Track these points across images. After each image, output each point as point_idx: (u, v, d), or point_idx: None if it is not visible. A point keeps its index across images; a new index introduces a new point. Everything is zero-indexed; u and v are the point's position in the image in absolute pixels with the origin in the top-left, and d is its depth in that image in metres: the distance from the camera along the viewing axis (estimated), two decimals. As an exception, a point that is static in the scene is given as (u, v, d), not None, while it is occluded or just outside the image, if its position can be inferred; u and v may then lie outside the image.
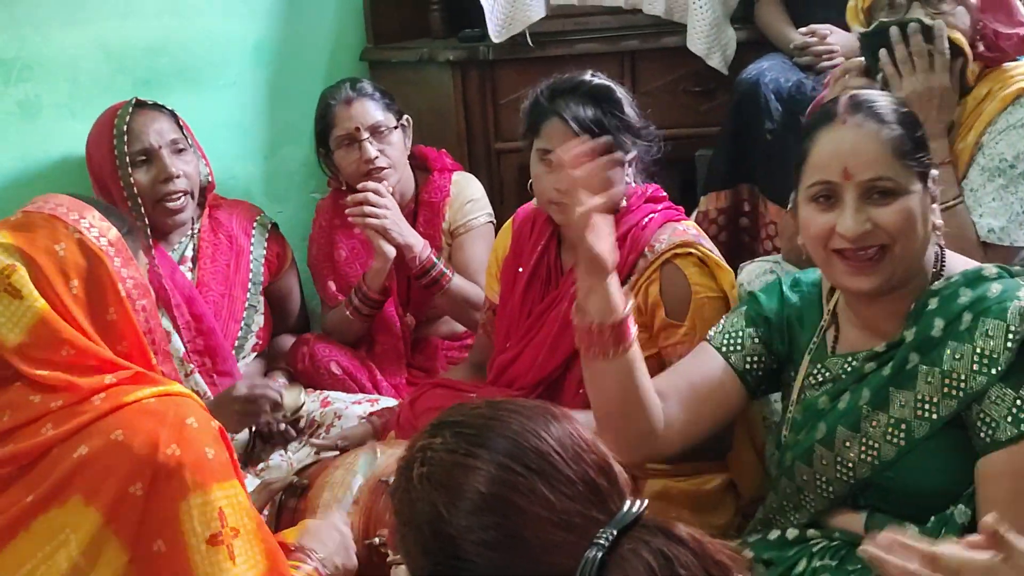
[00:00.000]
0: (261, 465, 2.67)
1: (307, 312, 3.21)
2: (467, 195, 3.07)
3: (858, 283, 1.78)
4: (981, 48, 2.33)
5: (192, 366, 2.74)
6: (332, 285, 3.07)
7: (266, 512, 2.22)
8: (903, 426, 1.77)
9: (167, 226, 2.82)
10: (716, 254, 2.34)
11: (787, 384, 1.97)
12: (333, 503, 2.16)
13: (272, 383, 2.68)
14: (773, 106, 2.97)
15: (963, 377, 1.71)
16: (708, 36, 3.28)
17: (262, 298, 2.97)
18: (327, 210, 3.12)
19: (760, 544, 1.94)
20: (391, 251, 2.84)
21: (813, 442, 1.87)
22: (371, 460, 2.27)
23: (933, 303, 1.78)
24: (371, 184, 2.85)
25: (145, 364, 1.76)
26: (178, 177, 2.75)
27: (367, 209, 2.81)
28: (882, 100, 1.82)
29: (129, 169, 2.72)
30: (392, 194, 2.88)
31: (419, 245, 2.86)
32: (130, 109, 2.75)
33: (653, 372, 2.29)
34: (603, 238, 1.77)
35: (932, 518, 1.74)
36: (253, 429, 2.73)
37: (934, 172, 1.81)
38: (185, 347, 2.75)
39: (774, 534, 1.94)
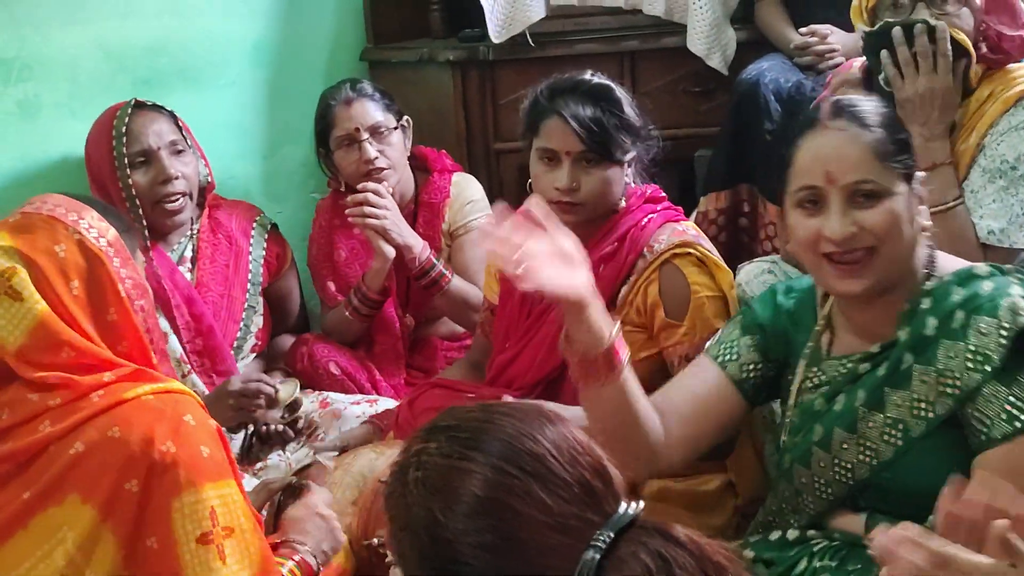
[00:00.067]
0: (259, 465, 2.67)
1: (306, 312, 3.21)
2: (467, 196, 3.07)
3: (848, 286, 1.79)
4: (984, 50, 2.32)
5: (189, 366, 2.74)
6: (331, 285, 3.07)
7: (265, 512, 2.22)
8: (900, 426, 1.77)
9: (166, 227, 2.82)
10: (715, 254, 2.34)
11: (785, 389, 1.97)
12: (333, 504, 2.17)
13: (266, 377, 2.67)
14: (773, 107, 2.97)
15: (958, 375, 1.71)
16: (708, 36, 3.28)
17: (261, 298, 2.96)
18: (327, 210, 3.12)
19: (761, 544, 1.94)
20: (390, 252, 2.84)
21: (810, 444, 1.87)
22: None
23: (926, 303, 1.78)
24: (371, 184, 2.85)
25: (146, 364, 1.76)
26: (176, 178, 2.75)
27: (367, 209, 2.81)
28: (864, 104, 1.83)
29: (128, 170, 2.72)
30: (392, 195, 2.88)
31: (418, 246, 2.86)
32: (129, 110, 2.75)
33: (653, 371, 2.31)
34: (567, 276, 1.73)
35: (930, 517, 1.74)
36: (251, 430, 2.73)
37: (919, 174, 1.82)
38: (184, 347, 2.75)
39: (775, 535, 1.94)
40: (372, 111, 2.93)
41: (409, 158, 3.05)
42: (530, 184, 2.39)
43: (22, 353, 1.67)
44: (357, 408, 2.76)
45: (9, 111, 2.83)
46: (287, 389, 2.70)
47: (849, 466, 1.83)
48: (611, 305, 2.32)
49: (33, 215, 1.74)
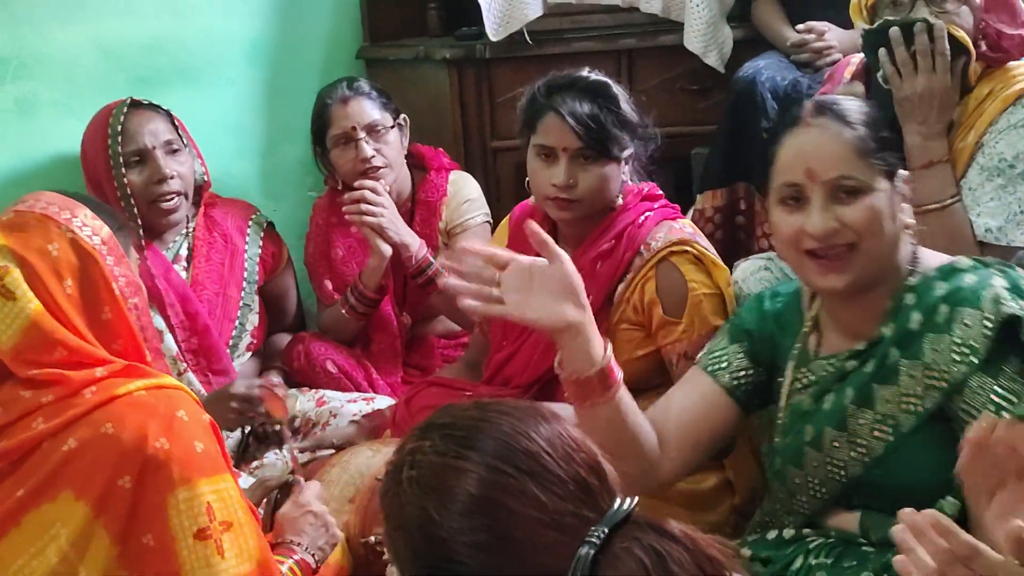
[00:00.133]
0: (255, 464, 2.67)
1: (303, 311, 3.21)
2: (464, 195, 3.07)
3: (829, 282, 1.80)
4: (984, 48, 2.32)
5: (185, 365, 2.74)
6: (328, 284, 3.07)
7: (261, 510, 2.23)
8: (890, 421, 1.78)
9: (161, 226, 2.82)
10: (712, 252, 2.35)
11: (776, 391, 1.98)
12: (330, 501, 2.17)
13: (268, 385, 2.67)
14: (769, 105, 2.97)
15: (944, 368, 1.72)
16: (705, 34, 3.28)
17: (257, 297, 2.96)
18: (324, 208, 3.12)
19: (758, 543, 1.95)
20: (387, 250, 2.84)
21: (802, 444, 1.88)
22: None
23: (910, 299, 1.80)
24: (368, 183, 2.85)
25: (140, 362, 1.75)
26: (172, 178, 2.75)
27: (364, 207, 2.81)
28: (847, 103, 1.85)
29: (123, 169, 2.71)
30: (389, 193, 2.88)
31: (415, 244, 2.86)
32: (125, 109, 2.75)
33: (651, 369, 2.32)
34: (551, 305, 1.75)
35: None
36: (248, 429, 2.73)
37: (902, 172, 1.83)
38: (179, 346, 2.75)
39: (772, 534, 1.95)
40: (369, 109, 2.93)
41: (406, 156, 3.05)
42: (528, 181, 2.39)
43: (15, 352, 1.67)
44: (354, 406, 2.76)
45: (7, 109, 2.83)
46: (289, 404, 2.69)
47: (841, 464, 1.83)
48: (608, 303, 2.33)
49: (26, 213, 1.73)
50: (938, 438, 1.75)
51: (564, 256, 1.76)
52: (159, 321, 2.72)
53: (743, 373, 1.98)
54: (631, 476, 1.81)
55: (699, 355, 2.05)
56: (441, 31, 3.65)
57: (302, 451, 2.65)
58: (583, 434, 1.26)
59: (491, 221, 3.06)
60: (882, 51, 2.29)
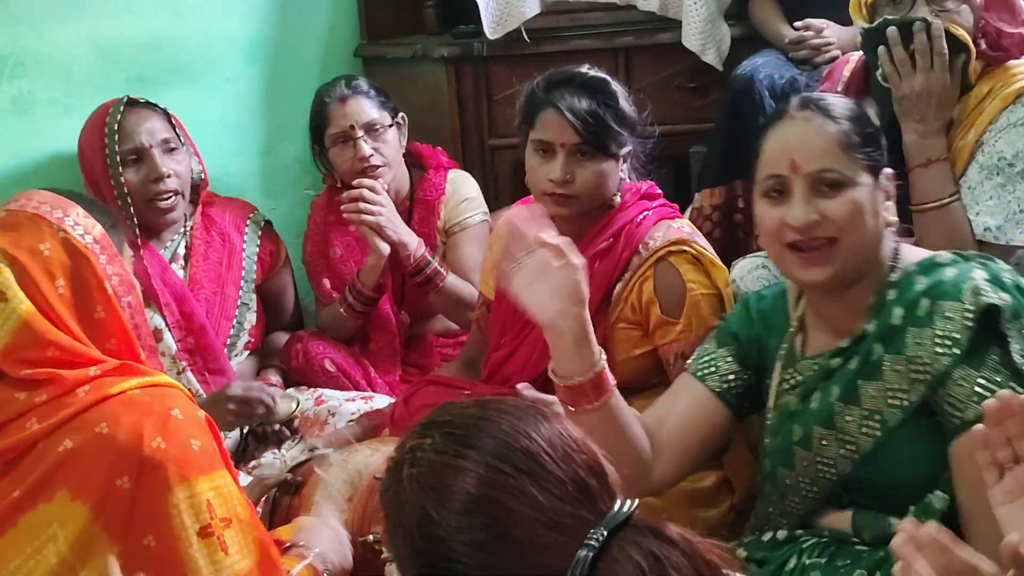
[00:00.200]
0: (253, 463, 2.67)
1: (301, 309, 3.21)
2: (462, 194, 3.06)
3: (811, 275, 1.81)
4: (984, 46, 2.32)
5: (183, 363, 2.74)
6: (326, 282, 3.07)
7: (260, 509, 2.23)
8: (876, 417, 1.79)
9: (158, 225, 2.82)
10: (710, 252, 2.34)
11: (765, 393, 1.99)
12: (328, 501, 2.17)
13: (268, 388, 2.67)
14: (767, 102, 2.97)
15: (927, 360, 1.73)
16: (703, 32, 3.28)
17: (255, 296, 2.96)
18: (322, 207, 3.12)
19: (753, 545, 1.95)
20: (385, 248, 2.84)
21: (791, 445, 1.89)
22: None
23: (891, 294, 1.81)
24: (366, 181, 2.85)
25: (134, 361, 1.75)
26: (168, 177, 2.75)
27: (362, 206, 2.81)
28: (833, 98, 1.87)
29: (120, 168, 2.71)
30: (387, 192, 2.88)
31: (414, 243, 2.86)
32: (121, 108, 2.75)
33: (648, 368, 2.32)
34: (548, 301, 1.77)
35: (911, 508, 1.76)
36: (246, 429, 2.73)
37: (887, 170, 1.85)
38: (176, 345, 2.75)
39: (766, 535, 1.95)
40: (367, 108, 2.92)
41: (404, 155, 3.05)
42: (527, 179, 2.39)
43: (7, 353, 1.66)
44: (352, 405, 2.76)
45: (4, 108, 2.83)
46: (285, 404, 2.68)
47: (831, 462, 1.84)
48: (606, 302, 2.33)
49: (18, 213, 1.72)
50: (924, 432, 1.76)
51: (581, 264, 1.77)
52: (157, 320, 2.71)
53: (732, 377, 1.99)
54: (623, 481, 1.85)
55: (688, 361, 2.06)
56: (438, 29, 3.65)
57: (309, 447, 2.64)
58: (584, 434, 1.26)
59: (489, 220, 3.06)
60: (881, 49, 2.29)
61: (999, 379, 1.70)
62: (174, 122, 2.85)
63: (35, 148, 2.89)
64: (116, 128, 2.72)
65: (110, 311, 1.73)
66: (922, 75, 2.26)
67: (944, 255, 1.83)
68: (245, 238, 2.97)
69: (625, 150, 2.34)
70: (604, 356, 1.82)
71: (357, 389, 2.90)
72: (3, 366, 1.68)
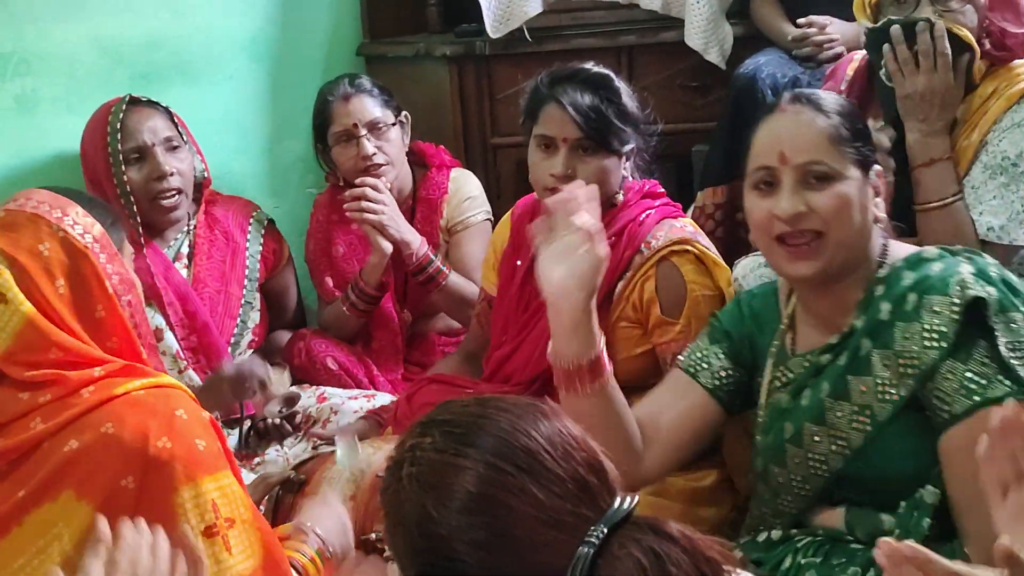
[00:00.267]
0: (257, 460, 2.68)
1: (303, 308, 3.21)
2: (465, 192, 3.07)
3: (798, 269, 1.82)
4: (988, 46, 2.32)
5: (185, 362, 2.74)
6: (329, 281, 3.07)
7: (263, 507, 2.23)
8: (867, 412, 1.80)
9: (161, 223, 2.82)
10: (713, 251, 2.34)
11: (756, 391, 2.00)
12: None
13: (259, 361, 2.66)
14: (770, 101, 2.97)
15: (916, 354, 1.74)
16: (706, 31, 3.28)
17: (258, 294, 2.96)
18: (324, 206, 3.12)
19: (748, 546, 1.96)
20: (388, 247, 2.84)
21: (783, 442, 1.89)
22: (351, 449, 2.27)
23: (879, 290, 1.82)
24: (369, 180, 2.85)
25: (136, 359, 1.75)
26: (171, 175, 2.75)
27: (365, 205, 2.81)
28: (824, 93, 1.89)
29: (122, 167, 2.71)
30: (390, 190, 2.88)
31: (416, 242, 2.86)
32: (124, 106, 2.75)
33: (648, 368, 2.32)
34: (559, 276, 1.82)
35: (903, 503, 1.76)
36: (248, 425, 2.74)
37: (877, 167, 1.86)
38: (179, 344, 2.75)
39: (761, 536, 1.96)
40: (370, 107, 2.93)
41: (407, 153, 3.05)
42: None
43: (9, 355, 1.66)
44: (355, 403, 2.76)
45: (6, 106, 2.83)
46: (283, 380, 2.68)
47: (823, 458, 1.85)
48: (607, 300, 2.32)
49: (17, 213, 1.72)
50: (914, 427, 1.77)
51: (604, 255, 1.81)
52: (158, 319, 2.72)
53: (724, 374, 2.00)
54: None
55: (680, 356, 2.07)
56: (440, 28, 3.65)
57: (320, 441, 2.65)
58: (583, 432, 1.26)
59: (492, 219, 3.06)
60: (885, 48, 2.29)
61: (986, 372, 1.71)
62: (177, 121, 2.85)
63: (38, 146, 2.89)
64: (119, 127, 2.72)
65: (111, 310, 1.73)
66: (925, 75, 2.26)
67: (931, 250, 1.85)
68: (248, 237, 2.97)
69: (628, 148, 2.34)
70: (603, 341, 1.84)
71: (360, 387, 2.90)
72: (5, 369, 1.67)
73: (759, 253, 2.52)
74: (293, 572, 1.77)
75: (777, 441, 1.90)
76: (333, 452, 2.52)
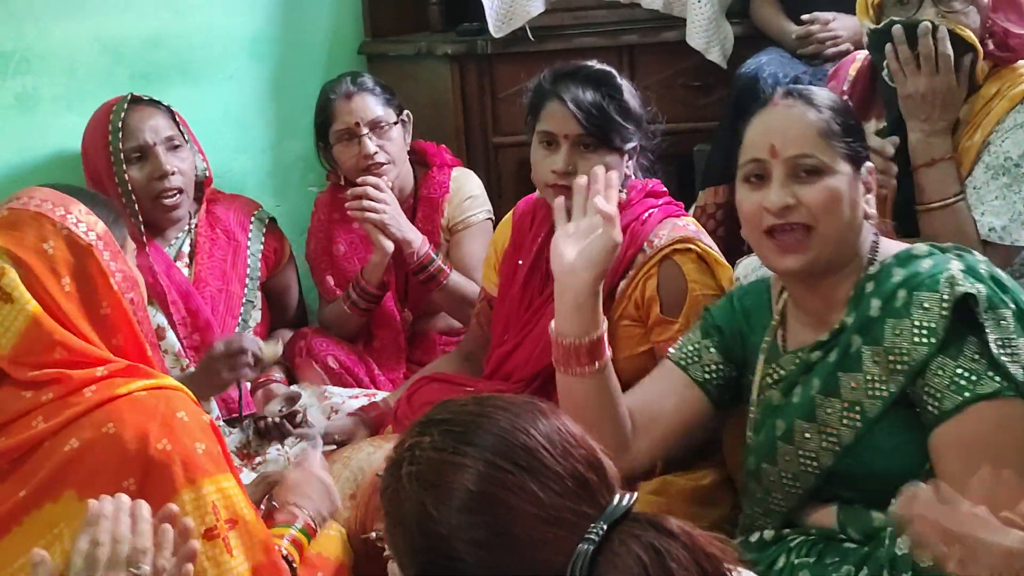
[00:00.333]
0: (258, 459, 2.67)
1: (305, 307, 3.21)
2: (466, 191, 3.06)
3: (787, 262, 1.83)
4: (991, 47, 2.32)
5: (187, 361, 2.74)
6: (330, 279, 3.07)
7: (263, 507, 2.22)
8: (857, 408, 1.80)
9: (163, 222, 2.82)
10: (715, 250, 2.34)
11: (747, 389, 2.00)
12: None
13: (249, 336, 2.64)
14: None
15: (905, 350, 1.75)
16: (707, 30, 3.28)
17: (259, 293, 2.96)
18: (326, 204, 3.12)
19: (742, 546, 1.95)
20: (389, 246, 2.84)
21: (774, 440, 1.90)
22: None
23: (869, 286, 1.83)
24: (371, 179, 2.85)
25: (140, 356, 1.75)
26: (173, 174, 2.75)
27: (366, 203, 2.81)
28: (817, 89, 1.91)
29: (124, 166, 2.71)
30: (391, 189, 2.88)
31: (418, 241, 2.86)
32: (125, 105, 2.74)
33: (650, 366, 2.31)
34: (568, 255, 1.92)
35: (893, 500, 1.76)
36: (250, 424, 2.73)
37: (868, 164, 1.87)
38: (181, 343, 2.75)
39: (754, 536, 1.96)
40: (372, 106, 2.92)
41: (408, 152, 3.05)
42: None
43: (15, 356, 1.66)
44: (355, 402, 2.75)
45: (7, 104, 2.82)
46: (270, 347, 2.65)
47: (813, 455, 1.85)
48: (610, 299, 2.32)
49: (20, 211, 1.72)
50: (904, 424, 1.78)
51: (618, 241, 1.90)
52: (160, 318, 2.71)
53: (714, 367, 2.01)
54: None
55: (671, 348, 2.08)
56: (442, 27, 3.65)
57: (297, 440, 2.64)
58: (582, 430, 1.26)
59: (493, 219, 3.06)
60: (887, 48, 2.29)
61: (976, 368, 1.72)
62: (178, 119, 2.85)
63: (39, 145, 2.88)
64: (120, 126, 2.72)
65: (116, 307, 1.73)
66: (927, 76, 2.26)
67: (921, 247, 1.85)
68: (249, 235, 2.97)
69: (630, 145, 2.33)
70: (604, 327, 1.90)
71: (361, 386, 2.90)
72: (10, 370, 1.67)
73: (759, 252, 2.53)
74: (287, 566, 1.77)
75: (768, 438, 1.91)
76: (333, 451, 2.52)
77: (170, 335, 2.73)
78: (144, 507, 1.48)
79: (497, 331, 2.54)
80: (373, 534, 2.03)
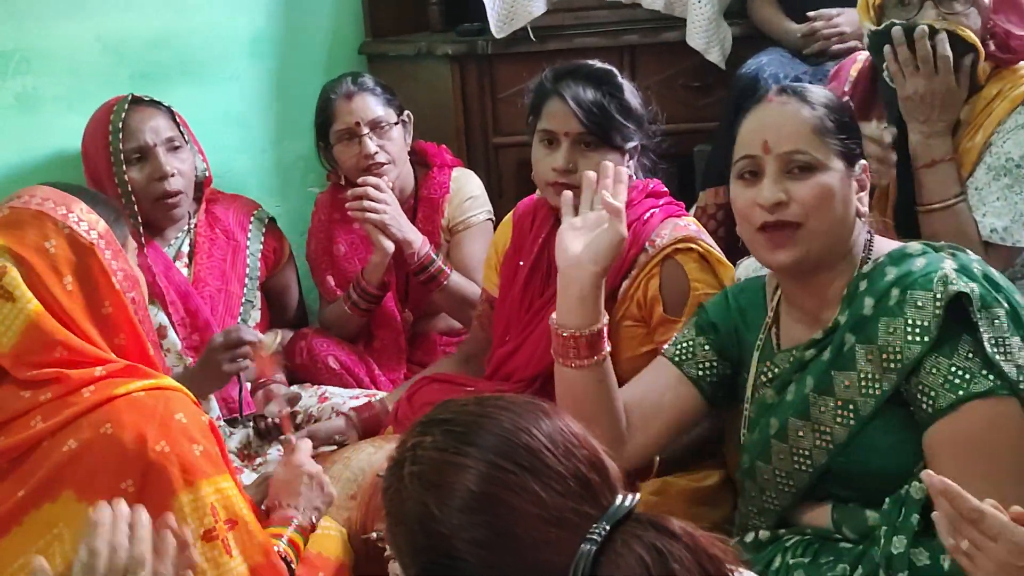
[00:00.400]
0: (259, 460, 2.67)
1: (304, 307, 3.21)
2: (467, 192, 3.06)
3: (778, 257, 1.84)
4: (992, 48, 2.33)
5: (189, 360, 2.74)
6: (331, 280, 3.07)
7: (264, 506, 2.22)
8: (850, 406, 1.81)
9: (162, 223, 2.82)
10: (717, 250, 2.34)
11: (742, 387, 2.01)
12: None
13: (246, 327, 2.62)
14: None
15: (898, 349, 1.75)
16: (707, 31, 3.28)
17: (259, 293, 2.96)
18: (326, 204, 3.12)
19: (737, 547, 1.95)
20: (390, 246, 2.84)
21: (768, 438, 1.90)
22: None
23: (863, 285, 1.83)
24: (371, 179, 2.84)
25: (142, 355, 1.75)
26: (172, 176, 2.74)
27: (367, 204, 2.81)
28: (812, 87, 1.92)
29: (124, 167, 2.70)
30: (392, 189, 2.88)
31: (418, 241, 2.86)
32: (126, 105, 2.74)
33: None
34: (572, 248, 1.93)
35: (887, 499, 1.76)
36: (251, 424, 2.73)
37: (863, 162, 1.87)
38: (181, 343, 2.75)
39: (749, 536, 1.97)
40: (373, 106, 2.92)
41: (409, 153, 3.04)
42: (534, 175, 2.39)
43: (16, 355, 1.66)
44: (356, 403, 2.75)
45: (8, 104, 2.82)
46: (270, 337, 2.65)
47: (807, 453, 1.86)
48: (611, 299, 2.32)
49: (21, 210, 1.72)
50: (898, 422, 1.78)
51: (623, 235, 1.92)
52: (161, 317, 2.71)
53: (708, 364, 2.01)
54: None
55: (666, 345, 2.09)
56: (442, 27, 3.65)
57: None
58: (584, 430, 1.26)
59: (493, 219, 3.06)
60: (886, 49, 2.30)
61: (971, 367, 1.72)
62: (178, 120, 2.84)
63: (39, 145, 2.88)
64: (120, 126, 2.71)
65: (118, 305, 1.73)
66: (925, 77, 2.26)
67: (914, 245, 1.86)
68: (249, 235, 2.97)
69: (630, 145, 2.33)
70: (605, 321, 1.91)
71: (361, 386, 2.90)
72: (10, 369, 1.67)
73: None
74: (285, 567, 1.77)
75: (763, 437, 1.92)
76: (333, 451, 2.52)
77: (171, 334, 2.73)
78: (143, 515, 1.47)
79: (498, 332, 2.54)
80: (374, 534, 2.04)
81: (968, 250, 1.87)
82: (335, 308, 3.01)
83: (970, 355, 1.72)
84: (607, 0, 3.44)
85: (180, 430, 1.66)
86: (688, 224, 2.36)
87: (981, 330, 1.72)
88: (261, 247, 2.98)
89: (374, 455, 2.33)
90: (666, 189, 2.44)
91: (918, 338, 1.73)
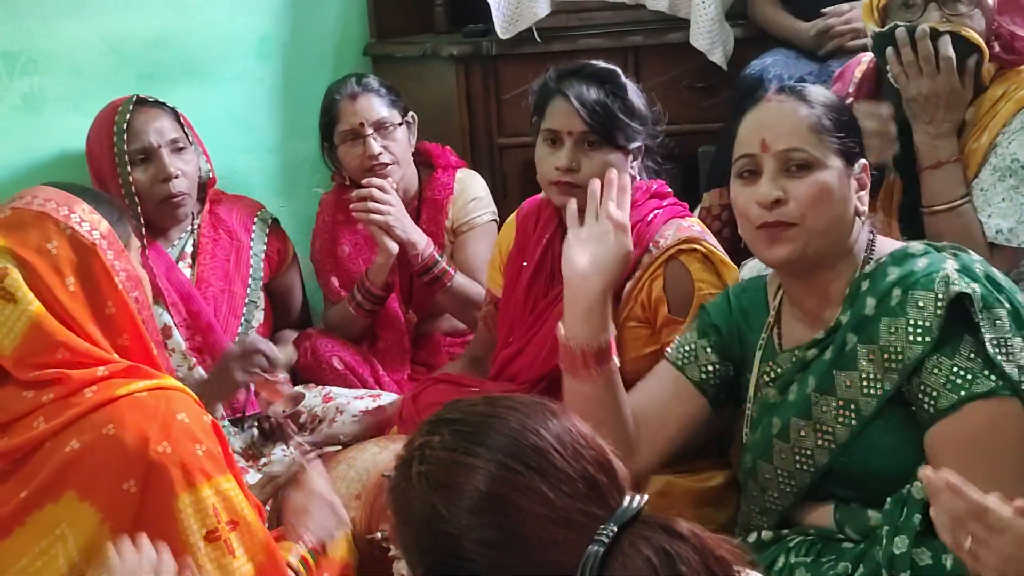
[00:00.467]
0: (263, 460, 2.68)
1: (308, 308, 3.21)
2: (471, 193, 3.06)
3: (776, 253, 1.84)
4: (997, 49, 2.33)
5: (194, 360, 2.74)
6: (335, 280, 3.07)
7: (269, 507, 2.23)
8: (852, 406, 1.81)
9: (166, 223, 2.82)
10: (721, 251, 2.34)
11: (744, 387, 2.01)
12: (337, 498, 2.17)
13: (262, 340, 2.64)
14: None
15: (900, 349, 1.75)
16: (711, 32, 3.27)
17: (262, 294, 2.96)
18: (330, 205, 3.12)
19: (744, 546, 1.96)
20: (394, 247, 2.84)
21: (770, 437, 1.91)
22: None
23: (865, 285, 1.83)
24: (375, 180, 2.85)
25: (146, 355, 1.75)
26: (177, 177, 2.74)
27: (371, 205, 2.81)
28: (811, 86, 1.92)
29: (128, 167, 2.71)
30: (396, 190, 2.88)
31: (422, 242, 2.86)
32: (130, 107, 2.74)
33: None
34: (578, 261, 1.96)
35: (889, 499, 1.76)
36: (255, 424, 2.73)
37: (863, 161, 1.88)
38: (185, 343, 2.75)
39: (752, 537, 1.97)
40: (377, 106, 2.92)
41: (413, 154, 3.05)
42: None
43: (18, 356, 1.66)
44: (360, 403, 2.76)
45: (14, 105, 2.83)
46: (285, 352, 2.66)
47: (809, 453, 1.86)
48: (616, 301, 2.32)
49: (23, 211, 1.72)
50: (900, 422, 1.79)
51: (629, 248, 1.97)
52: (166, 317, 2.71)
53: (711, 367, 2.01)
54: None
55: (668, 348, 2.09)
56: (448, 28, 3.65)
57: (310, 447, 2.64)
58: (592, 431, 1.26)
59: (497, 220, 3.06)
60: (889, 51, 2.30)
61: (972, 367, 1.72)
62: (183, 121, 2.84)
63: (44, 145, 2.89)
64: (125, 127, 2.71)
65: (121, 305, 1.73)
66: (928, 78, 2.26)
67: (916, 245, 1.86)
68: (253, 236, 2.97)
69: (634, 145, 2.33)
70: (613, 332, 1.92)
71: (365, 387, 2.90)
72: (13, 371, 1.67)
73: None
74: (291, 574, 1.77)
75: (765, 436, 1.92)
76: (338, 451, 2.52)
77: (175, 334, 2.73)
78: (167, 557, 1.48)
79: (502, 333, 2.54)
80: (378, 534, 2.03)
81: (970, 251, 1.87)
82: (339, 309, 3.01)
83: (972, 355, 1.72)
84: (611, 1, 3.43)
85: (182, 430, 1.67)
86: (692, 225, 2.36)
87: (983, 330, 1.72)
88: (265, 248, 2.98)
89: (379, 455, 2.34)
90: (670, 190, 2.44)
91: (920, 338, 1.74)
